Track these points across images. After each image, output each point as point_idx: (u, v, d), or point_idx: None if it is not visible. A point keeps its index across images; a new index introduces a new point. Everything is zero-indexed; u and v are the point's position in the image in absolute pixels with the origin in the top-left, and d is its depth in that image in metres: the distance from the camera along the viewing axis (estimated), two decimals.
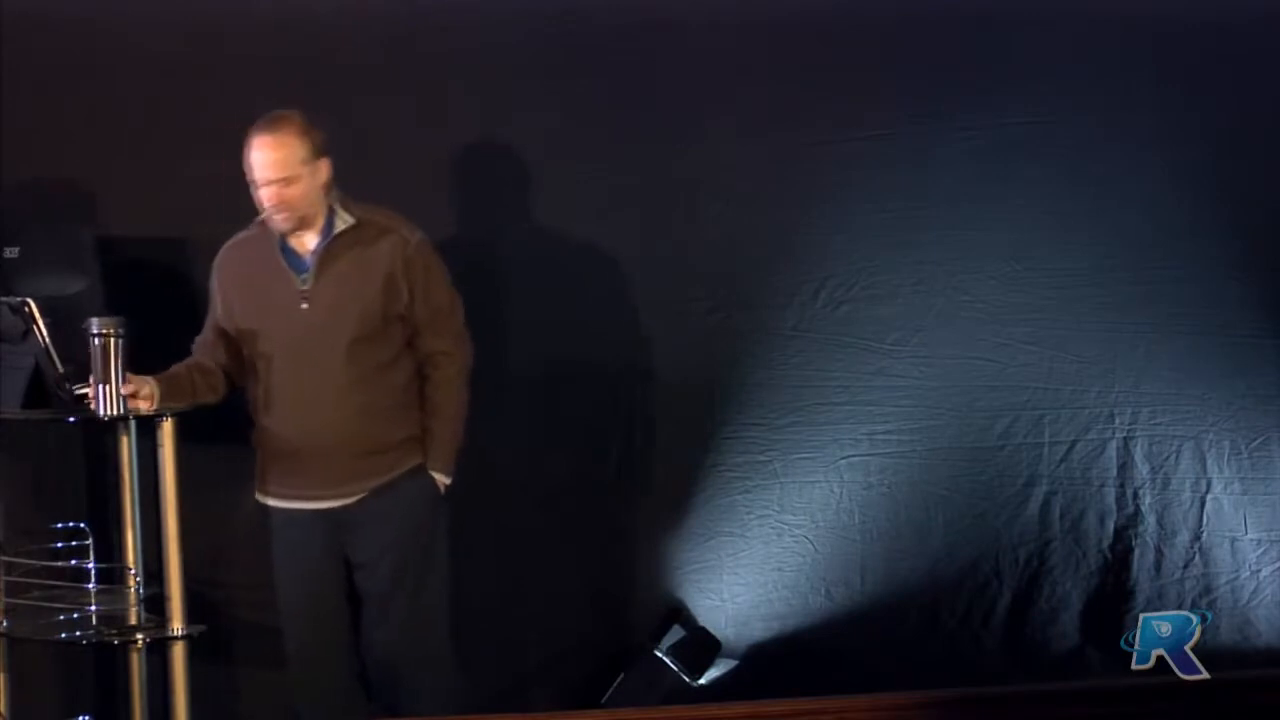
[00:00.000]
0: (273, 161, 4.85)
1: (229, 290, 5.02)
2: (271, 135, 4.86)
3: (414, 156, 5.47)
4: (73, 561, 5.02)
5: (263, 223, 4.97)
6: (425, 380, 5.03)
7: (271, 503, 5.04)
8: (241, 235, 5.05)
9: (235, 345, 5.05)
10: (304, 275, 4.94)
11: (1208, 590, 6.03)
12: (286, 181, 4.86)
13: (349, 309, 4.92)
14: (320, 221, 4.96)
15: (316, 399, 4.92)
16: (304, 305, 4.93)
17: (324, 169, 4.92)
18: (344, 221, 4.96)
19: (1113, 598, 6.00)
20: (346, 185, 5.01)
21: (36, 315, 4.87)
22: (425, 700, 5.03)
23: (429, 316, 5.00)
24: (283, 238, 4.95)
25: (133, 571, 4.95)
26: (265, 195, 4.88)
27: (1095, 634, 5.95)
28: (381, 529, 4.98)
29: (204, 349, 5.07)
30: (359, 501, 4.98)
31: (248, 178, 4.89)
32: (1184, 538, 6.04)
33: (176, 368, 5.02)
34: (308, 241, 4.96)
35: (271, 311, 4.96)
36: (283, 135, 4.86)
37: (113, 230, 5.36)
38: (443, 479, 5.04)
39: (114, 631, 4.94)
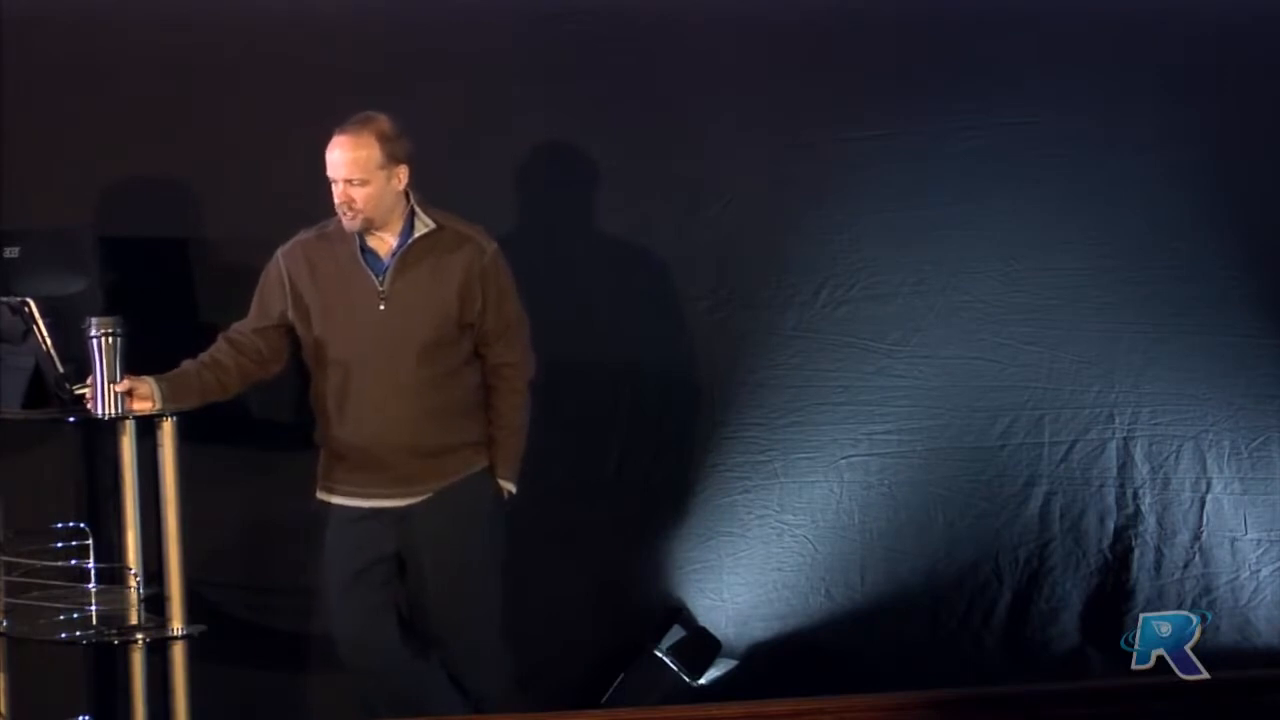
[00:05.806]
0: (347, 161, 4.87)
1: (301, 283, 4.98)
2: (351, 136, 4.88)
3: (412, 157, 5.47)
4: (73, 561, 5.01)
5: (340, 220, 4.96)
6: (491, 390, 5.06)
7: (336, 500, 5.04)
8: (315, 231, 5.04)
9: (282, 340, 5.03)
10: (381, 276, 4.95)
11: (1208, 590, 6.03)
12: (358, 183, 4.87)
13: (425, 312, 4.94)
14: (399, 224, 4.96)
15: (387, 399, 4.93)
16: (381, 306, 4.94)
17: (401, 175, 4.93)
18: (424, 225, 4.97)
19: (1113, 598, 6.00)
20: None
21: (36, 315, 4.87)
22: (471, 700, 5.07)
23: (498, 327, 5.02)
24: (361, 237, 4.95)
25: (133, 571, 4.94)
26: (336, 193, 4.90)
27: (1095, 634, 5.95)
28: (444, 529, 4.99)
29: (239, 339, 5.01)
30: (424, 501, 5.00)
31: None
32: (1184, 538, 6.04)
33: (186, 365, 4.98)
34: (387, 242, 4.96)
35: (348, 310, 4.95)
36: (362, 136, 4.88)
37: (113, 230, 5.35)
38: (508, 486, 5.08)
39: (114, 631, 4.93)
